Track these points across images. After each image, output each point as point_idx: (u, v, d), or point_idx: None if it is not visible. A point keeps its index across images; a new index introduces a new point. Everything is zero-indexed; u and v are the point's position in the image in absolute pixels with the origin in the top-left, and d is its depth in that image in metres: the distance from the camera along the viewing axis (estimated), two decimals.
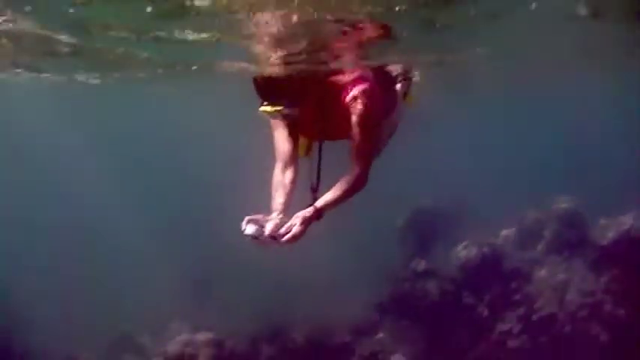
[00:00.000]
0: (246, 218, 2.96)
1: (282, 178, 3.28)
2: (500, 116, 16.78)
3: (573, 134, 18.98)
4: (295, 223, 2.93)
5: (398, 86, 4.31)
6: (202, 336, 7.57)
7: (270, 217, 3.02)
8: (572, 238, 9.25)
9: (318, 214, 3.01)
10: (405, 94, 4.29)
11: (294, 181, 3.29)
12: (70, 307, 10.00)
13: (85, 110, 13.88)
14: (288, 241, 2.90)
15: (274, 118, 3.16)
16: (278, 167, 3.33)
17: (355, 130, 3.13)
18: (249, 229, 2.92)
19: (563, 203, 10.08)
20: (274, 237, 2.92)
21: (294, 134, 3.37)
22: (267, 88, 3.02)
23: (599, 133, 18.17)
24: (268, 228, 2.93)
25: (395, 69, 4.40)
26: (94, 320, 9.58)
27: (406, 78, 4.27)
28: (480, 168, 15.68)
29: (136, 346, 8.91)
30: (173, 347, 7.37)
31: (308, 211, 2.99)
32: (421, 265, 9.75)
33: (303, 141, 3.55)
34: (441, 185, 12.54)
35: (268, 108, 2.99)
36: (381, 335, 9.13)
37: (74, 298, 10.79)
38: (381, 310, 9.65)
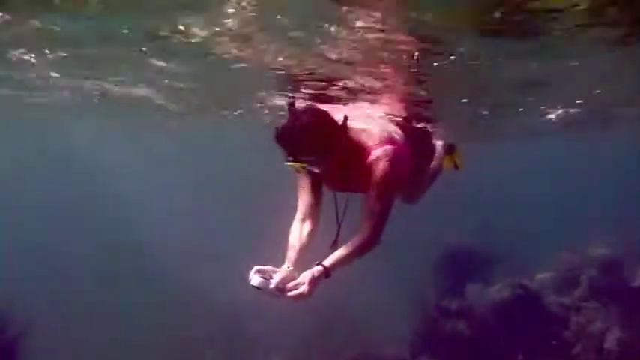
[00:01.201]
0: (255, 268, 2.92)
1: (300, 230, 3.24)
2: (537, 156, 16.68)
3: (609, 178, 18.73)
4: (303, 282, 2.85)
5: (438, 143, 4.51)
6: None
7: (279, 269, 2.97)
8: (609, 284, 9.04)
9: (327, 273, 2.92)
10: (451, 152, 4.49)
11: (311, 235, 3.24)
12: None
13: None
14: (295, 298, 2.83)
15: (299, 172, 3.12)
16: (297, 218, 3.30)
17: (372, 191, 3.06)
18: (255, 280, 2.88)
19: (599, 249, 9.93)
20: (281, 290, 2.87)
21: (317, 188, 3.33)
22: (292, 145, 2.94)
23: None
24: (274, 281, 2.88)
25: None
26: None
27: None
28: (515, 209, 15.53)
29: None
30: None
31: (317, 270, 2.90)
32: (454, 303, 9.69)
33: None
34: (476, 224, 12.43)
35: (293, 164, 2.96)
36: None
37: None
38: (413, 346, 9.59)
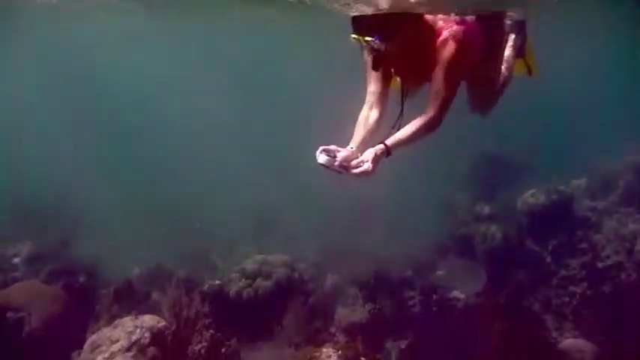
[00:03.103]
0: (320, 147, 3.04)
1: (366, 115, 3.34)
2: (571, 64, 16.05)
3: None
4: (367, 159, 2.97)
5: (510, 39, 4.17)
6: (276, 258, 8.05)
7: (343, 149, 3.09)
8: None
9: (388, 151, 3.05)
10: (522, 55, 4.20)
11: (378, 122, 3.33)
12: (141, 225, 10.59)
13: None
14: (358, 175, 2.96)
15: (362, 48, 3.16)
16: (366, 105, 3.38)
17: (438, 72, 3.10)
18: (321, 158, 3.01)
19: (637, 155, 9.83)
20: (345, 167, 2.99)
21: (385, 76, 3.37)
22: (362, 22, 3.07)
23: None
24: (339, 157, 3.01)
25: (510, 23, 4.20)
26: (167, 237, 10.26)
27: (520, 32, 4.14)
28: (554, 116, 15.26)
29: (211, 263, 9.50)
30: (251, 266, 7.88)
31: (379, 149, 3.03)
32: (485, 209, 9.88)
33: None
34: (512, 131, 12.32)
35: (358, 36, 3.04)
36: (440, 272, 9.40)
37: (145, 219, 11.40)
38: (442, 249, 9.92)
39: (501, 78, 4.00)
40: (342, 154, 3.03)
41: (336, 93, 7.41)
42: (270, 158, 14.13)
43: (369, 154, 3.00)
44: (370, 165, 2.95)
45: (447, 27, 3.14)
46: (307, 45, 14.63)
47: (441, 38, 3.11)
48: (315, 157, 3.03)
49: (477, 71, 3.40)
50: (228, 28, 12.67)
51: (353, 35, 3.07)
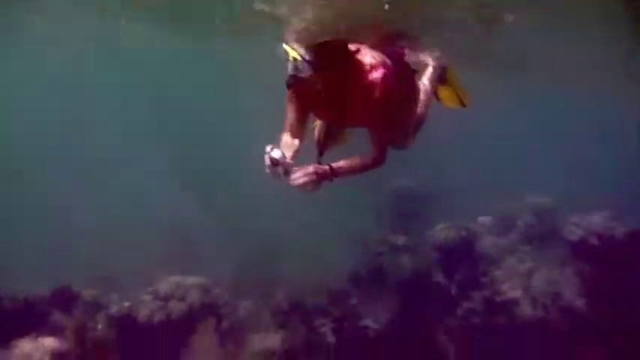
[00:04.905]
0: (271, 145, 2.97)
1: (290, 142, 3.28)
2: (489, 107, 17.21)
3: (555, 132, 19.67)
4: (311, 170, 3.01)
5: (421, 78, 4.30)
6: (192, 280, 7.90)
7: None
8: (543, 230, 9.84)
9: (332, 173, 3.08)
10: (443, 82, 4.35)
11: (297, 151, 3.28)
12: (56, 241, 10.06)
13: None
14: (300, 183, 2.97)
15: (288, 62, 3.02)
16: (287, 133, 3.34)
17: (371, 115, 3.15)
18: (276, 152, 2.94)
19: (537, 198, 10.69)
20: (288, 172, 2.97)
21: (301, 106, 3.35)
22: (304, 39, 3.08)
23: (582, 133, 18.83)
24: (288, 155, 3.03)
25: (420, 57, 4.43)
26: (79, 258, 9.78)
27: (436, 68, 4.30)
28: (462, 156, 16.18)
29: (124, 284, 9.13)
30: (164, 287, 7.68)
31: (324, 167, 3.07)
32: (399, 240, 10.26)
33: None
34: (424, 168, 12.98)
35: (290, 49, 2.96)
36: (353, 301, 9.61)
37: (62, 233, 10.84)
38: (356, 278, 10.14)
39: (418, 112, 4.11)
40: (288, 155, 3.05)
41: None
42: (188, 174, 13.90)
43: (314, 166, 3.05)
44: (312, 176, 3.00)
45: (370, 69, 3.11)
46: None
47: (370, 80, 3.09)
48: (264, 153, 2.95)
49: (395, 109, 3.42)
50: None
51: (285, 46, 3.00)
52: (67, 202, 13.40)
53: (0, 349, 5.51)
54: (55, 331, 6.49)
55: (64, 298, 7.63)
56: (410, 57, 4.30)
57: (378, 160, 3.26)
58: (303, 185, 2.97)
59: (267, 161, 2.94)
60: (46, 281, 8.40)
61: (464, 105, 4.58)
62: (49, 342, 5.61)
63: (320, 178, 3.03)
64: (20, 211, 12.38)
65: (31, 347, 5.36)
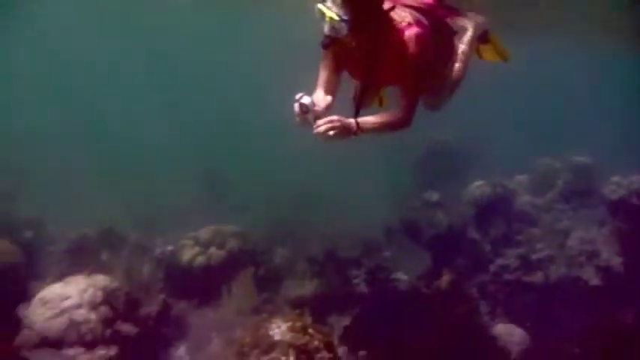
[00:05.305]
0: (299, 94, 3.01)
1: (322, 97, 3.30)
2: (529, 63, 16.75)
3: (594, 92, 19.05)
4: (335, 119, 2.98)
5: (460, 41, 4.24)
6: (230, 228, 8.16)
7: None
8: (582, 189, 9.71)
9: (357, 127, 3.07)
10: (485, 41, 4.35)
11: (329, 107, 3.27)
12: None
13: None
14: (325, 131, 2.95)
15: (324, 22, 3.01)
16: (319, 89, 3.35)
17: (404, 72, 3.13)
18: (305, 99, 2.99)
19: (579, 156, 10.51)
20: (317, 117, 2.98)
21: (336, 65, 3.37)
22: None
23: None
24: (317, 105, 3.05)
25: (458, 22, 4.29)
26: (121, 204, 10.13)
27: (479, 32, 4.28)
28: (503, 112, 15.93)
29: (161, 230, 9.49)
30: (204, 234, 7.95)
31: (349, 119, 3.06)
32: (434, 196, 10.29)
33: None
34: (462, 124, 12.81)
35: (325, 9, 2.94)
36: (387, 253, 9.78)
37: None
38: (390, 231, 10.29)
39: (454, 74, 4.10)
40: (318, 105, 3.08)
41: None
42: (224, 124, 14.05)
43: (341, 117, 3.02)
44: (338, 125, 2.97)
45: (405, 27, 3.13)
46: None
47: (404, 38, 3.11)
48: (295, 100, 3.00)
49: (430, 70, 3.43)
50: None
51: (320, 6, 2.97)
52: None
53: (57, 284, 5.85)
54: (104, 268, 6.87)
55: (111, 239, 8.01)
56: (451, 20, 4.20)
57: (405, 120, 3.22)
58: (326, 133, 2.95)
59: (297, 108, 2.99)
60: (94, 222, 8.87)
61: (505, 59, 4.60)
62: (101, 279, 5.92)
63: (344, 129, 3.00)
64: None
65: (87, 283, 5.67)
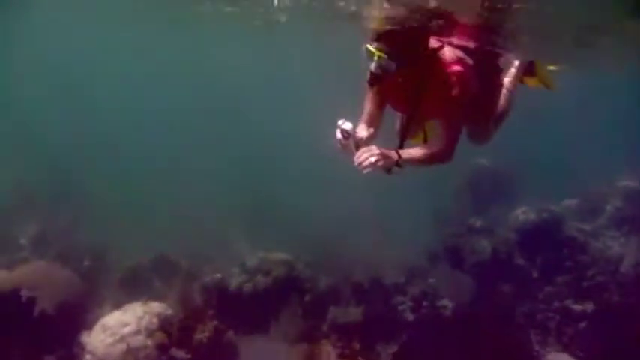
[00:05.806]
0: (343, 119, 3.10)
1: (365, 129, 3.40)
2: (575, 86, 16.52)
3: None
4: (375, 148, 3.02)
5: (506, 76, 4.32)
6: (276, 255, 8.34)
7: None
8: (631, 215, 9.46)
9: (399, 157, 3.10)
10: (532, 74, 4.37)
11: (371, 138, 3.36)
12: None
13: None
14: (363, 161, 2.96)
15: (371, 61, 3.11)
16: (362, 122, 3.48)
17: (446, 108, 3.23)
18: (347, 125, 3.07)
19: (627, 181, 10.26)
20: (357, 147, 3.06)
21: (380, 99, 3.51)
22: (387, 35, 3.09)
23: None
24: (358, 133, 3.18)
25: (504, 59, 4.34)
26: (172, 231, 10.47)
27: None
28: (550, 136, 15.69)
29: (209, 257, 9.74)
30: (251, 261, 8.16)
31: (390, 151, 3.09)
32: (478, 222, 10.23)
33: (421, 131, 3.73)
34: (507, 148, 12.75)
35: (373, 49, 3.05)
36: (431, 280, 9.73)
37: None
38: (434, 258, 10.25)
39: (500, 109, 4.15)
40: (360, 134, 3.19)
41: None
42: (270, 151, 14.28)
43: (380, 148, 3.05)
44: (377, 156, 2.99)
45: (450, 65, 3.22)
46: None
47: (448, 76, 3.19)
48: (337, 126, 3.07)
49: (474, 106, 3.50)
50: None
51: (367, 46, 3.08)
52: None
53: (117, 311, 6.15)
54: (158, 296, 7.15)
55: (163, 267, 8.31)
56: (499, 57, 4.29)
57: (445, 153, 3.28)
58: (366, 164, 2.95)
59: (339, 134, 3.08)
60: (145, 250, 9.21)
61: (551, 88, 4.59)
62: (156, 306, 6.19)
63: (384, 159, 3.03)
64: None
65: (143, 310, 5.94)
